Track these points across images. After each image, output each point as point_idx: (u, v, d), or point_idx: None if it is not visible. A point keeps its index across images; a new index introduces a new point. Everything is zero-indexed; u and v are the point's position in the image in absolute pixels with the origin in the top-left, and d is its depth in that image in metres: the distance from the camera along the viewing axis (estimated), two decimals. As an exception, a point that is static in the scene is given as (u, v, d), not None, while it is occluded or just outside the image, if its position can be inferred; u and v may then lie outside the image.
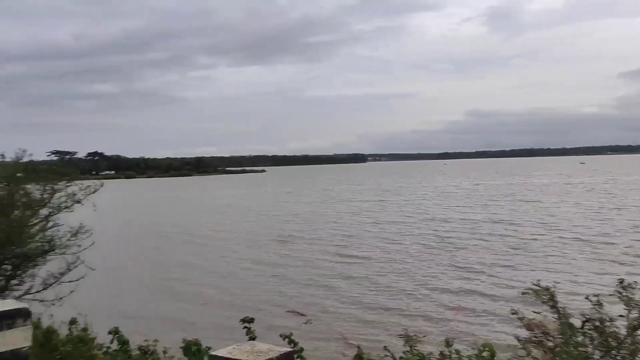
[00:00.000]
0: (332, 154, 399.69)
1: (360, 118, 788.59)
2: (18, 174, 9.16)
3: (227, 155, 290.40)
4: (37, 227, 9.27)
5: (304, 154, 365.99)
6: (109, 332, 4.36)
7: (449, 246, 25.16)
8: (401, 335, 4.80)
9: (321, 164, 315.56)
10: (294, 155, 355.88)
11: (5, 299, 8.23)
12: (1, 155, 9.49)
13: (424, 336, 5.63)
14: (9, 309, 3.26)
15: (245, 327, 4.54)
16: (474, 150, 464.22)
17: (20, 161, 9.45)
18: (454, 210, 41.04)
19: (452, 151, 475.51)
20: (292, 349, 3.60)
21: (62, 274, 9.46)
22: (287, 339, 4.77)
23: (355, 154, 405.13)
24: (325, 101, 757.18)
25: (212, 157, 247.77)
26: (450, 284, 18.21)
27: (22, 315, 3.30)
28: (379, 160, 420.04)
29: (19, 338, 3.29)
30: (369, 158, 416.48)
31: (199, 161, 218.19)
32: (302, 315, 14.34)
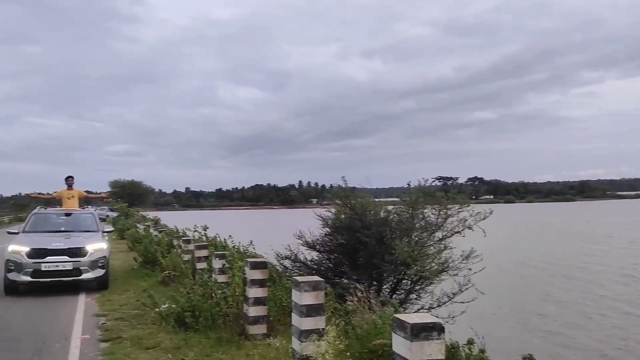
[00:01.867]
0: None
1: None
2: (419, 199, 10.35)
3: (618, 178, 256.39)
4: (432, 249, 10.21)
5: None
6: (523, 358, 4.34)
7: None
8: None
9: None
10: None
11: (405, 311, 9.29)
12: (408, 183, 10.97)
13: None
14: (427, 321, 3.62)
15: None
16: None
17: (421, 187, 10.70)
18: None
19: None
20: None
21: (454, 294, 10.12)
22: None
23: None
24: None
25: (599, 181, 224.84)
26: None
27: (436, 329, 3.60)
28: None
29: (435, 350, 3.59)
30: None
31: (584, 185, 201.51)
32: None
